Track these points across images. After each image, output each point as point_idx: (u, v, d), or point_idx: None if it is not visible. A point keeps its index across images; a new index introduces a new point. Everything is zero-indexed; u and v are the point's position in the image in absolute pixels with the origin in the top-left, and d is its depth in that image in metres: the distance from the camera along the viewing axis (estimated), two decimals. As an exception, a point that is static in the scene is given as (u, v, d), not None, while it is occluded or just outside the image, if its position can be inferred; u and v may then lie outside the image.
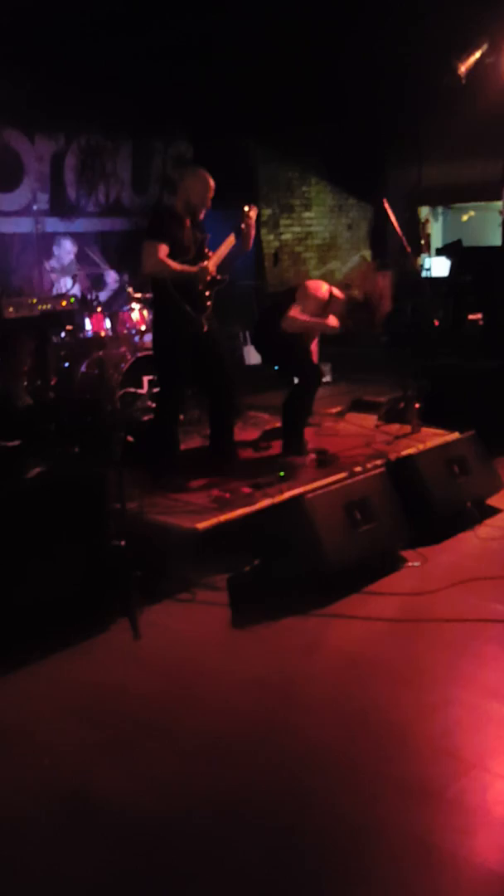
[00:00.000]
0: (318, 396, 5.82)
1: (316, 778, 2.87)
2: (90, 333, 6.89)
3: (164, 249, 4.80)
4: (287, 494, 4.63)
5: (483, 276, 8.92)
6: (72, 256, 7.76)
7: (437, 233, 12.57)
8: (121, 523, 3.94)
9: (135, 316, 6.98)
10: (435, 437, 5.57)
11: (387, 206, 5.99)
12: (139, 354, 6.52)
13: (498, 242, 10.20)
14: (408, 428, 5.80)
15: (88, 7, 6.99)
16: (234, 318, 8.60)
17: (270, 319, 5.48)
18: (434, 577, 4.36)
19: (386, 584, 4.33)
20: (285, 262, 10.65)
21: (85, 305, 6.92)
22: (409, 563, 4.55)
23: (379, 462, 5.07)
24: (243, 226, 5.05)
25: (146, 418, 6.11)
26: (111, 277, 7.72)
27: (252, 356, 9.21)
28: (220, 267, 5.01)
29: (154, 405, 5.83)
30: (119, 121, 8.53)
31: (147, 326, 6.89)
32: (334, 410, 6.60)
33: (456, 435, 5.49)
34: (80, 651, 3.69)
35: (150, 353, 6.33)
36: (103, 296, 7.49)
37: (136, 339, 6.91)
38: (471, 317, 8.79)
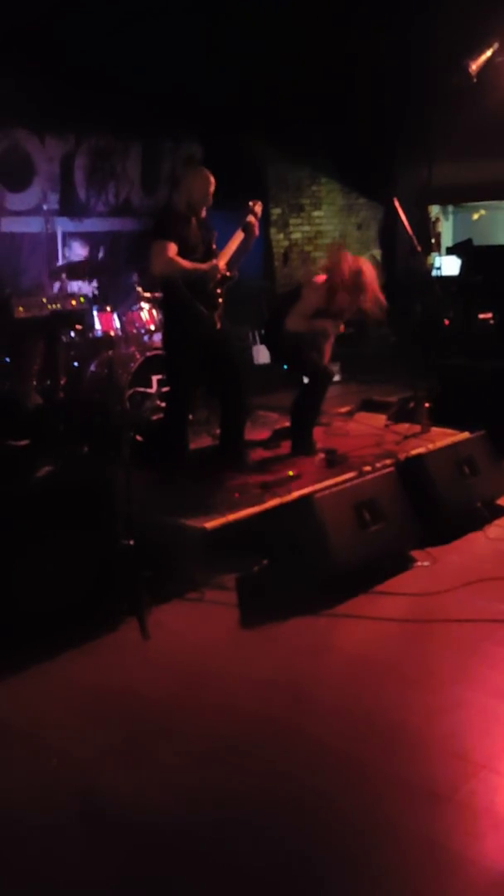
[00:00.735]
0: (328, 396, 5.82)
1: (324, 779, 2.86)
2: (100, 333, 6.90)
3: (172, 248, 4.79)
4: (296, 494, 4.63)
5: (494, 275, 8.90)
6: (81, 258, 7.76)
7: (447, 232, 12.52)
8: (129, 523, 3.93)
9: (144, 315, 6.99)
10: (445, 437, 5.55)
11: (397, 205, 5.97)
12: (148, 354, 6.52)
13: (508, 241, 10.18)
14: (417, 428, 5.78)
15: (98, 7, 7.00)
16: (243, 318, 8.59)
17: (279, 318, 5.48)
18: (443, 578, 4.34)
19: (395, 584, 4.32)
20: (295, 262, 10.63)
21: (95, 304, 6.93)
22: (419, 564, 4.53)
23: (388, 462, 5.06)
24: (249, 218, 5.06)
25: (155, 418, 6.11)
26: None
27: (261, 356, 9.21)
28: (229, 263, 5.01)
29: (163, 405, 5.83)
30: (129, 121, 8.53)
31: (156, 326, 6.89)
32: (344, 410, 6.59)
33: (466, 435, 5.47)
34: (88, 651, 3.69)
35: (160, 352, 6.34)
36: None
37: (146, 338, 6.91)
38: (481, 316, 8.77)
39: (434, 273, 10.78)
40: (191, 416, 5.65)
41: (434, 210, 11.96)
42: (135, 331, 6.95)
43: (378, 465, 5.01)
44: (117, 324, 6.97)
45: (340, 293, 5.30)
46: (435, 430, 5.74)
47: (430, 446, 5.35)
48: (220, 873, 2.45)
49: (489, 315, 8.41)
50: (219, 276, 4.93)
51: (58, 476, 4.25)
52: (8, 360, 6.40)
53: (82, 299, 6.97)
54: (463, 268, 10.29)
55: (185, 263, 4.83)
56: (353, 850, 2.52)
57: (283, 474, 4.93)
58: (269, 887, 2.41)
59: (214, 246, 5.06)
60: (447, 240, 12.15)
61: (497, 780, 2.78)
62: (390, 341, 9.98)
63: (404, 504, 4.61)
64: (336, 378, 7.46)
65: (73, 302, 6.94)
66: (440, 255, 11.39)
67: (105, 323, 6.94)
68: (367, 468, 4.94)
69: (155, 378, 6.48)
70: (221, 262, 4.95)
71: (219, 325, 4.98)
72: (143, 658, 3.67)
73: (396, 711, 3.20)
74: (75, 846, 2.58)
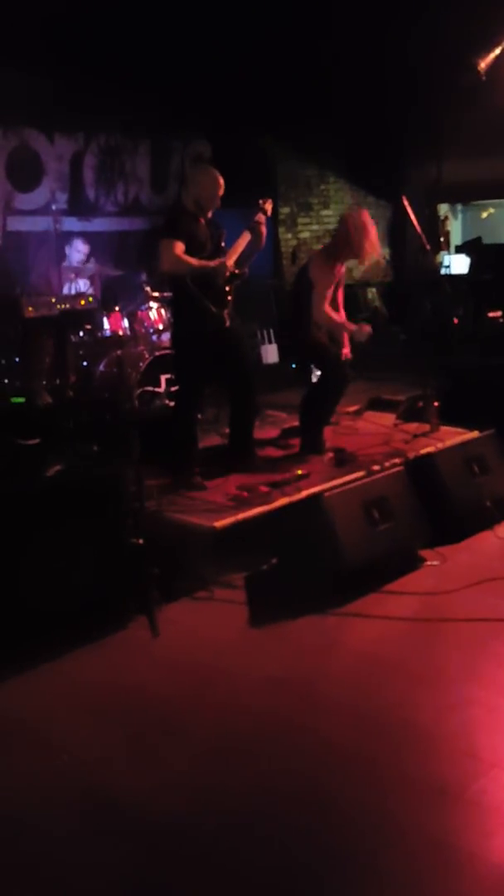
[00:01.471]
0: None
1: (333, 777, 2.86)
2: (109, 332, 6.92)
3: (180, 246, 4.80)
4: (305, 493, 4.63)
5: (503, 274, 8.88)
6: (83, 256, 7.78)
7: (456, 230, 12.50)
8: (139, 522, 3.94)
9: (153, 315, 7.01)
10: (454, 436, 5.54)
11: (406, 203, 5.96)
12: (157, 353, 6.54)
13: (518, 239, 10.15)
14: (426, 426, 5.77)
15: (106, 6, 7.00)
16: (252, 316, 8.60)
17: (301, 314, 5.40)
18: (453, 577, 4.34)
19: (404, 583, 4.31)
20: (303, 261, 10.63)
21: (102, 304, 6.95)
22: (428, 563, 4.53)
23: (397, 461, 5.05)
24: (258, 217, 5.05)
25: (164, 417, 6.12)
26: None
27: (270, 355, 9.22)
28: (239, 262, 5.01)
29: (172, 403, 5.84)
30: (137, 120, 8.56)
31: (164, 325, 6.91)
32: (352, 409, 6.59)
33: (475, 433, 5.46)
34: (97, 649, 3.70)
35: (168, 351, 6.36)
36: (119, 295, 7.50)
37: (154, 337, 6.93)
38: (490, 314, 8.76)
39: (443, 271, 10.77)
40: (200, 416, 5.65)
41: (443, 208, 11.94)
42: (143, 330, 6.97)
43: (387, 463, 5.01)
44: (126, 323, 6.99)
45: (343, 250, 5.28)
46: (444, 428, 5.72)
47: (440, 445, 5.34)
48: (227, 871, 2.45)
49: (498, 313, 8.40)
50: (227, 273, 4.93)
51: (67, 475, 4.26)
52: (18, 359, 6.44)
53: (91, 299, 6.99)
54: (472, 266, 10.28)
55: (193, 261, 4.83)
56: (361, 848, 2.52)
57: (292, 473, 4.93)
58: (277, 885, 2.41)
59: (223, 244, 5.06)
60: (456, 238, 12.14)
61: (507, 778, 2.78)
62: (399, 339, 9.97)
63: (413, 503, 4.60)
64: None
65: (82, 301, 6.97)
66: (449, 253, 11.37)
67: (114, 322, 6.96)
68: (377, 467, 4.94)
69: (164, 377, 6.50)
70: (230, 261, 4.95)
71: (228, 323, 4.98)
72: (152, 656, 3.67)
73: (406, 710, 3.20)
74: (83, 845, 2.58)
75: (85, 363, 6.71)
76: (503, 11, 5.95)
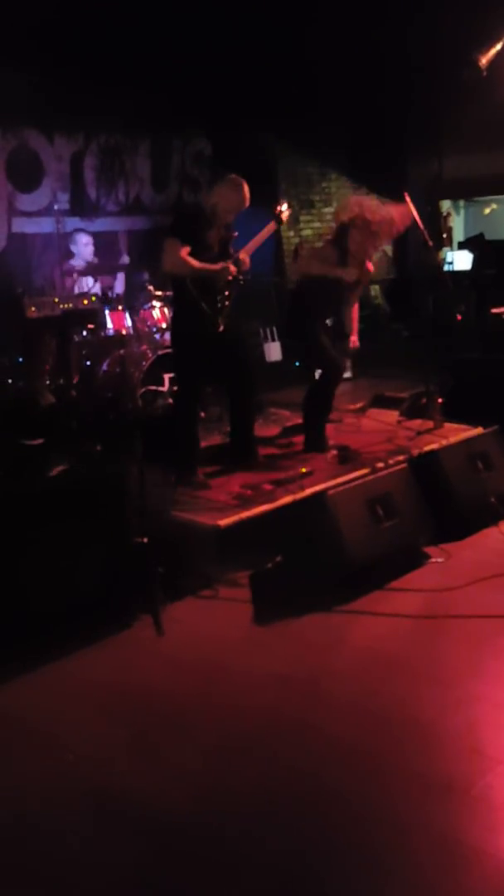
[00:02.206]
0: (339, 392, 5.81)
1: (339, 774, 2.86)
2: (111, 332, 6.92)
3: (184, 248, 4.80)
4: (309, 491, 4.63)
5: (505, 270, 8.85)
6: (90, 248, 7.78)
7: (458, 226, 12.49)
8: (143, 521, 3.95)
9: (155, 314, 7.00)
10: (458, 433, 5.54)
11: (408, 200, 5.95)
12: (160, 352, 6.54)
13: (520, 235, 10.14)
14: (430, 423, 5.77)
15: (106, 6, 7.00)
16: (254, 314, 8.59)
17: (301, 305, 5.42)
18: (457, 573, 4.33)
19: (409, 580, 4.31)
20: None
21: (105, 302, 6.94)
22: (433, 559, 4.52)
23: (401, 458, 5.05)
24: (283, 207, 5.23)
25: (167, 416, 6.12)
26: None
27: (272, 353, 9.20)
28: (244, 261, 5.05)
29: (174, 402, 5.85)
30: (137, 119, 8.54)
31: (167, 324, 6.90)
32: (356, 406, 6.58)
33: (479, 430, 5.45)
34: (103, 648, 3.71)
35: (171, 350, 6.36)
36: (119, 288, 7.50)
37: (157, 336, 6.92)
38: (493, 310, 8.72)
39: (446, 268, 10.76)
40: (202, 414, 5.65)
41: (445, 205, 11.92)
42: (146, 329, 6.96)
43: (391, 461, 5.01)
44: (129, 322, 6.99)
45: (352, 232, 5.28)
46: (448, 425, 5.72)
47: (444, 442, 5.34)
48: (233, 868, 2.46)
49: (501, 309, 8.36)
50: (229, 277, 4.94)
51: (71, 474, 4.27)
52: (21, 359, 6.44)
53: (94, 298, 6.99)
54: (475, 262, 10.27)
55: (195, 263, 4.84)
56: (367, 845, 2.52)
57: (295, 471, 4.93)
58: (284, 882, 2.41)
59: (232, 250, 5.07)
60: (459, 234, 12.12)
61: (513, 774, 2.78)
62: (402, 336, 9.96)
63: (418, 500, 4.60)
64: (347, 374, 7.46)
65: (85, 301, 6.97)
66: (452, 249, 11.36)
67: (117, 322, 6.96)
68: (380, 464, 4.94)
69: (167, 376, 6.49)
70: (244, 254, 5.03)
71: (221, 328, 4.97)
72: (157, 655, 3.68)
73: (411, 706, 3.20)
74: (89, 843, 2.59)
75: (88, 363, 6.71)
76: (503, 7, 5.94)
